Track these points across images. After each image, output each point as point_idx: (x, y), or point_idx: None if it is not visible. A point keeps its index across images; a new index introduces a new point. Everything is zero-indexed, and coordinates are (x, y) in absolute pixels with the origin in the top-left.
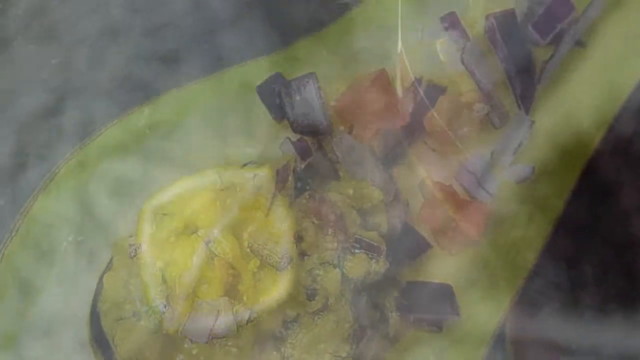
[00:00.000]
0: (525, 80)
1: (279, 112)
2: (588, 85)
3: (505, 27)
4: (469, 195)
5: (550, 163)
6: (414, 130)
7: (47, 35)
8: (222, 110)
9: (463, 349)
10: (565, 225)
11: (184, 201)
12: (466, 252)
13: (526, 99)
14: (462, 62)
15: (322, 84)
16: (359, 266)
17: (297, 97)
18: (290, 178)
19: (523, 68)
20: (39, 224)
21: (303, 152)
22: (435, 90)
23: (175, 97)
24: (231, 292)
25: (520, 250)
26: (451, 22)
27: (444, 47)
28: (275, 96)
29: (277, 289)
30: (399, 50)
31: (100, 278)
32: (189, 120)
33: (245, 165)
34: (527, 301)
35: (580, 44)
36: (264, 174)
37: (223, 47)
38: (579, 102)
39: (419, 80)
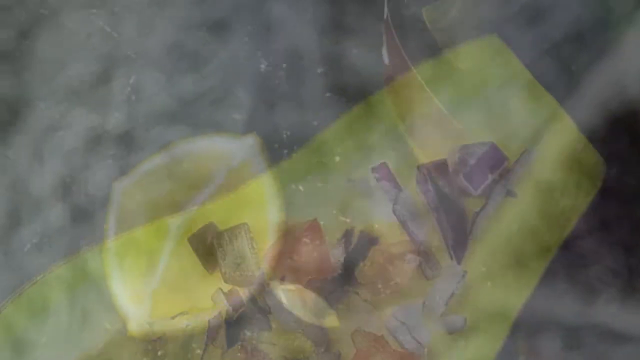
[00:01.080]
0: (457, 231)
1: (210, 262)
2: None
3: (436, 177)
4: (400, 346)
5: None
6: (345, 280)
7: (95, 3)
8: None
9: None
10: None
11: None
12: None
13: (458, 249)
14: (394, 213)
15: (255, 233)
16: None
17: (229, 248)
18: (221, 329)
19: (455, 218)
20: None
21: (235, 303)
22: (367, 241)
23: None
24: None
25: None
26: (382, 173)
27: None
28: (207, 246)
29: None
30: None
31: None
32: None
33: (175, 317)
34: (584, 288)
35: (511, 194)
36: (250, 143)
37: (271, 16)
38: None
39: (350, 231)
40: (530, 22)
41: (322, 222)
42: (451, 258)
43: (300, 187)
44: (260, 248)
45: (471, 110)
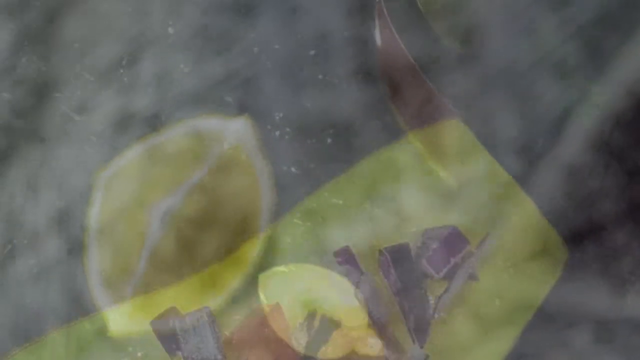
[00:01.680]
0: (420, 314)
1: (173, 345)
2: None
3: (399, 261)
4: None
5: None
6: None
7: None
8: None
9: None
10: None
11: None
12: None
13: (420, 332)
14: (356, 297)
15: (218, 315)
16: None
17: (191, 331)
18: None
19: (417, 302)
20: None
21: None
22: (329, 325)
23: None
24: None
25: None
26: (345, 256)
27: None
28: (169, 329)
29: None
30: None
31: None
32: None
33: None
34: (616, 281)
35: (473, 277)
36: (241, 124)
37: None
38: None
39: (312, 314)
40: (556, 5)
41: (284, 306)
42: (413, 342)
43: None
44: (224, 329)
45: None
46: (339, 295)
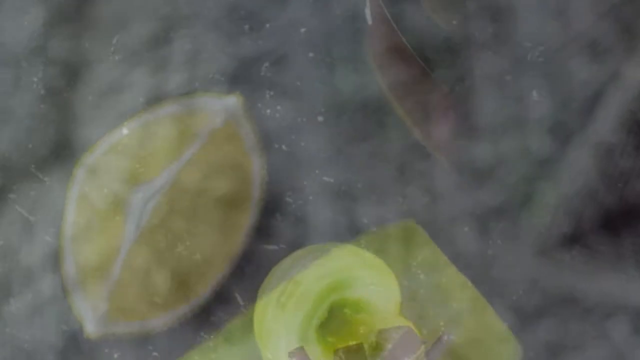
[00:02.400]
0: None
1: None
2: None
3: None
4: None
5: None
6: None
7: None
8: None
9: None
10: None
11: (139, 139)
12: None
13: None
14: None
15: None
16: None
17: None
18: None
19: None
20: None
21: None
22: None
23: None
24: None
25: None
26: (299, 357)
27: None
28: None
29: None
30: None
31: None
32: None
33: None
34: None
35: None
36: (233, 102)
37: None
38: None
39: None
40: None
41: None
42: None
43: None
44: None
45: None
46: (372, 274)
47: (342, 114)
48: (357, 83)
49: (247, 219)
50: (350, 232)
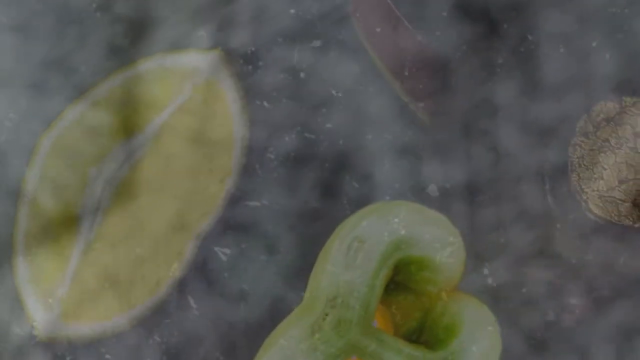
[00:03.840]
0: None
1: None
2: None
3: None
4: None
5: None
6: None
7: None
8: None
9: None
10: None
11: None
12: None
13: None
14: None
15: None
16: None
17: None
18: None
19: None
20: None
21: None
22: None
23: None
24: None
25: None
26: None
27: None
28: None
29: None
30: None
31: None
32: None
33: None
34: None
35: None
36: (215, 58)
37: None
38: None
39: None
40: None
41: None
42: None
43: None
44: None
45: None
46: (437, 232)
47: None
48: (422, 41)
49: (227, 179)
50: (415, 190)
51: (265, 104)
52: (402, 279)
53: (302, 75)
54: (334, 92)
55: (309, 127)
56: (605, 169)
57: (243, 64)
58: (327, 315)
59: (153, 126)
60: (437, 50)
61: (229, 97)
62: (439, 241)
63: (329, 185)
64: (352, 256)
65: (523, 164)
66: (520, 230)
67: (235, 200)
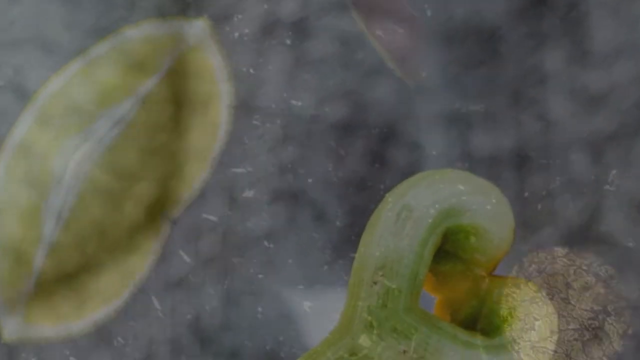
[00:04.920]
0: None
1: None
2: None
3: None
4: None
5: None
6: None
7: None
8: None
9: None
10: None
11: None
12: None
13: None
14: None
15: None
16: None
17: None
18: None
19: None
20: None
21: None
22: None
23: None
24: None
25: None
26: None
27: None
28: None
29: None
30: None
31: None
32: None
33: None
34: None
35: None
36: (201, 26)
37: None
38: None
39: None
40: None
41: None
42: None
43: None
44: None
45: None
46: (486, 201)
47: (456, 40)
48: (470, 9)
49: (212, 149)
50: (464, 158)
51: (314, 72)
52: (450, 247)
53: (352, 43)
54: (383, 60)
55: (358, 95)
56: (537, 320)
57: (292, 33)
58: (375, 283)
59: (139, 92)
60: (485, 18)
61: (214, 64)
62: (488, 210)
63: (377, 153)
64: (400, 225)
65: (572, 132)
66: (568, 199)
67: (283, 169)
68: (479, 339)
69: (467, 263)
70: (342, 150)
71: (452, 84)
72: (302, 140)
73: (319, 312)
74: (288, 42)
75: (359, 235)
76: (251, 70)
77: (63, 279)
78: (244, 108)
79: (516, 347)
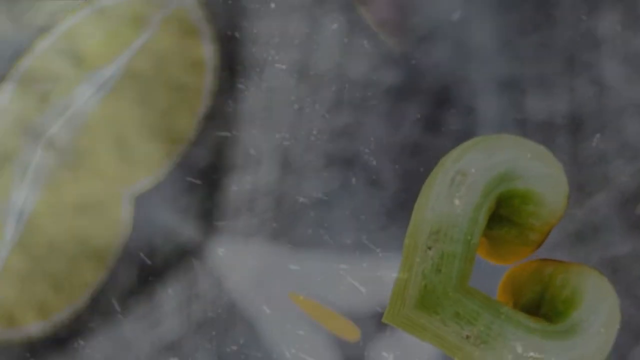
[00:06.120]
0: None
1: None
2: None
3: None
4: None
5: None
6: None
7: None
8: None
9: None
10: None
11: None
12: None
13: None
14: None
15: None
16: None
17: None
18: None
19: None
20: None
21: None
22: None
23: None
24: None
25: None
26: None
27: None
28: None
29: None
30: None
31: None
32: None
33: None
34: None
35: None
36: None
37: None
38: None
39: None
40: None
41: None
42: None
43: None
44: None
45: None
46: (540, 165)
47: (511, 5)
48: None
49: (198, 109)
50: (518, 123)
51: (368, 37)
52: (505, 212)
53: (405, 8)
54: (437, 25)
55: (412, 60)
56: (601, 306)
57: None
58: (429, 248)
59: (122, 59)
60: None
61: (199, 28)
62: (542, 174)
63: (431, 118)
64: (455, 189)
65: (626, 96)
66: (622, 164)
67: (338, 134)
68: (542, 325)
69: (521, 228)
70: (396, 115)
71: (506, 48)
72: (357, 105)
73: (373, 278)
74: (342, 6)
75: (413, 200)
76: (305, 36)
77: (24, 279)
78: (298, 74)
79: (579, 333)
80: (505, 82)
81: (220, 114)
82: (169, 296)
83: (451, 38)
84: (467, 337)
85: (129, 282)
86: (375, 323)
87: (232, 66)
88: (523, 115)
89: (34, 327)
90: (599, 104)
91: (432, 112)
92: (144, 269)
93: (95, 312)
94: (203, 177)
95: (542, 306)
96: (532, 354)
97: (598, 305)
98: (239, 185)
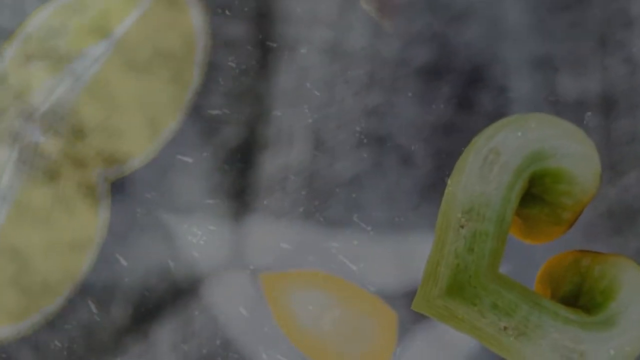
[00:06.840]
0: None
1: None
2: None
3: None
4: None
5: None
6: None
7: None
8: None
9: None
10: None
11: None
12: None
13: None
14: None
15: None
16: None
17: None
18: None
19: None
20: None
21: None
22: None
23: None
24: None
25: None
26: None
27: None
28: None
29: None
30: None
31: None
32: None
33: None
34: None
35: None
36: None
37: None
38: None
39: None
40: None
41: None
42: None
43: None
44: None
45: None
46: (573, 144)
47: None
48: None
49: (188, 87)
50: (550, 102)
51: (401, 16)
52: (537, 191)
53: None
54: (469, 4)
55: (445, 39)
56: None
57: None
58: (462, 227)
59: (114, 36)
60: None
61: (191, 8)
62: (574, 153)
63: (464, 97)
64: (487, 168)
65: None
66: None
67: (369, 113)
68: (580, 316)
69: (554, 207)
70: (428, 94)
71: (538, 27)
72: (388, 84)
73: (406, 257)
74: None
75: (445, 180)
76: (337, 16)
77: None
78: (329, 53)
79: (617, 325)
80: (537, 62)
81: (251, 93)
82: (164, 334)
83: (483, 17)
84: (505, 328)
85: (122, 320)
86: (409, 303)
87: (263, 45)
88: (555, 94)
89: (15, 327)
90: (631, 82)
91: (464, 91)
92: (140, 307)
93: (90, 349)
94: (235, 157)
95: (580, 297)
96: (570, 345)
97: (636, 296)
98: (271, 164)
